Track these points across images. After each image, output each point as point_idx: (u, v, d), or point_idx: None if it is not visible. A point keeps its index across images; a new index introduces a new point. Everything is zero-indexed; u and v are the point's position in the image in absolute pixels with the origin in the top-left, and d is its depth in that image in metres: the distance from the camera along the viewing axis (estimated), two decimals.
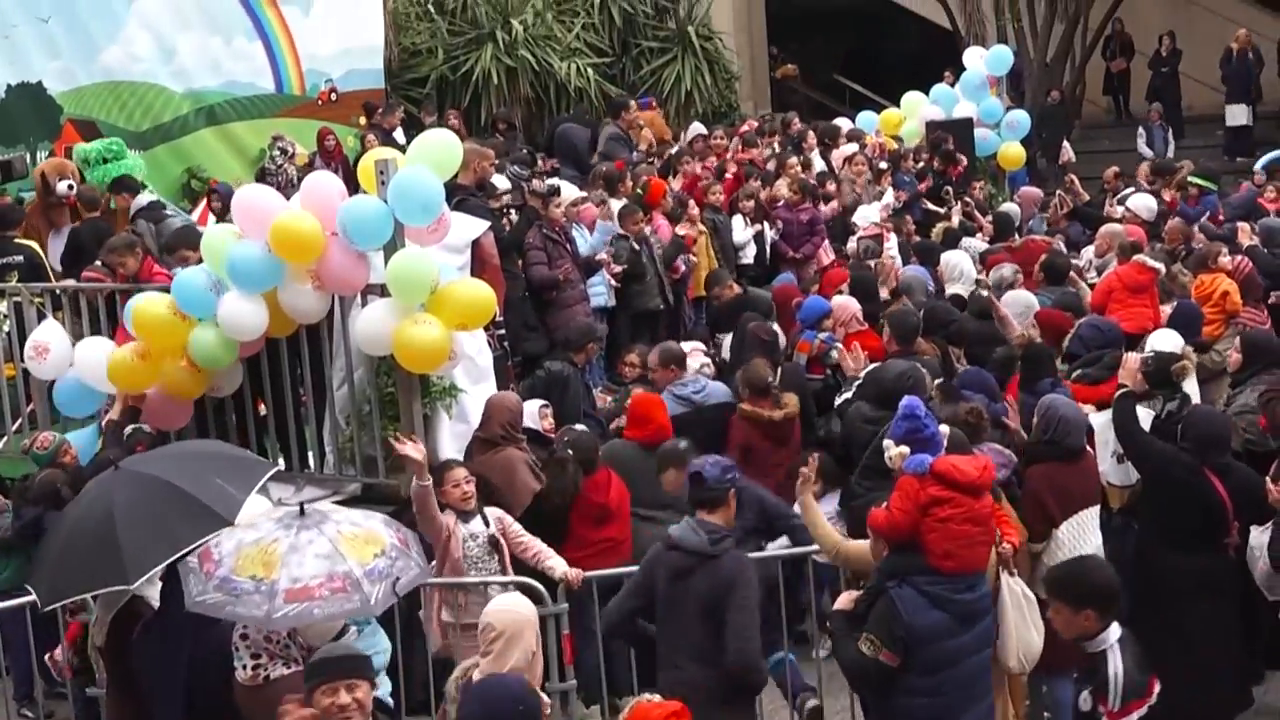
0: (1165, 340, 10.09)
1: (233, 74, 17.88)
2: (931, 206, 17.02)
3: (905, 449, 7.37)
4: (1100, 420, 9.02)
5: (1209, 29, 25.76)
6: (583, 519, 9.34)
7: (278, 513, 6.87)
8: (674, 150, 17.07)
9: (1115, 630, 6.32)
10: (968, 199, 17.14)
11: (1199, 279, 12.22)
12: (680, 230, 13.92)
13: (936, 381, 9.65)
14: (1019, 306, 11.58)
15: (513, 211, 13.10)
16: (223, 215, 14.35)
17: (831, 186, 16.35)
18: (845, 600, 7.33)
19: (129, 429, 9.52)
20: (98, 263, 11.32)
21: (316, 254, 9.26)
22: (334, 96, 18.98)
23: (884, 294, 12.58)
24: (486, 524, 8.71)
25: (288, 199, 10.00)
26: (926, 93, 20.37)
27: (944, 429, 7.60)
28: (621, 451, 9.82)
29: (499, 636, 6.22)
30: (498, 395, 9.89)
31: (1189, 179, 16.77)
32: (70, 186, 13.51)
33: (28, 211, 13.74)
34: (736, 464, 7.95)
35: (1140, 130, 24.02)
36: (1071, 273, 13.05)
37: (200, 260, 9.79)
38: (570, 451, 9.50)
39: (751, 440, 10.15)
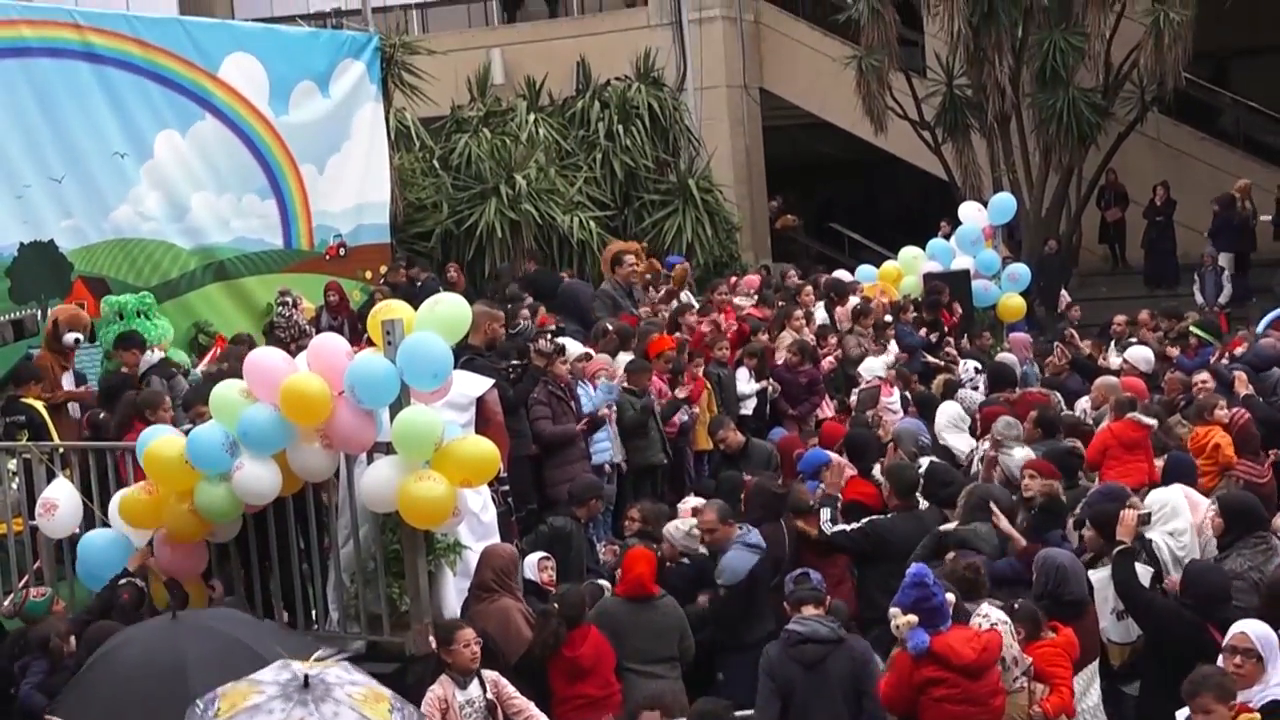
0: (1170, 497, 10.09)
1: (242, 230, 17.98)
2: (930, 359, 17.13)
3: (913, 618, 7.52)
4: (1099, 577, 9.04)
5: (1202, 178, 26.06)
6: (559, 674, 9.34)
7: (283, 676, 6.83)
8: (674, 307, 17.15)
9: None
10: (950, 350, 17.24)
11: (1195, 431, 12.19)
12: (680, 393, 13.92)
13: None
14: (1015, 461, 11.62)
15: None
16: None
17: (832, 340, 16.49)
18: None
19: (124, 580, 9.54)
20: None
21: (325, 415, 9.37)
22: (342, 251, 19.16)
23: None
24: (483, 688, 8.58)
25: (299, 348, 10.11)
26: (924, 242, 20.57)
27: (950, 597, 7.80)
28: (612, 609, 9.82)
29: None
30: (491, 545, 9.93)
31: (1190, 329, 16.83)
32: (77, 340, 13.60)
33: (40, 356, 13.86)
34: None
35: (1195, 276, 23.89)
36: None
37: None
38: (556, 605, 9.53)
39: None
